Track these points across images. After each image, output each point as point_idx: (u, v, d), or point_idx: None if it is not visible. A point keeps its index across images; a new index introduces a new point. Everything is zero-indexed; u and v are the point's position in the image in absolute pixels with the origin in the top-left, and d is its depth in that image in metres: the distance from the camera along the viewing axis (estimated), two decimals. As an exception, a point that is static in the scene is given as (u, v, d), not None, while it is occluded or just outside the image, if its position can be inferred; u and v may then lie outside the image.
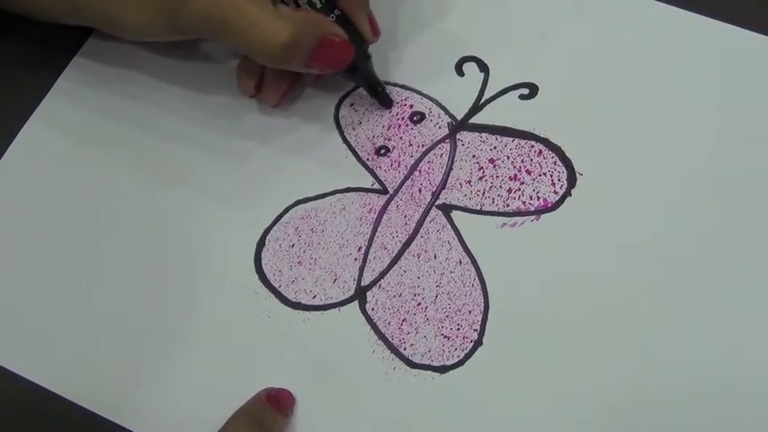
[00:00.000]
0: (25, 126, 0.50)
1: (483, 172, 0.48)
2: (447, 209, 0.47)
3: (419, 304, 0.45)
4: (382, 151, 0.49)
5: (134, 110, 0.50)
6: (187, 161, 0.48)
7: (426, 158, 0.48)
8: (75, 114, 0.50)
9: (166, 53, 0.51)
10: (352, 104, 0.50)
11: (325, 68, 0.45)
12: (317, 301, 0.45)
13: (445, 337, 0.44)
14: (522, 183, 0.47)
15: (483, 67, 0.50)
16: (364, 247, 0.46)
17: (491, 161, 0.48)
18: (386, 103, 0.49)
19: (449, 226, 0.46)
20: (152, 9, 0.44)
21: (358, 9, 0.46)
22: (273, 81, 0.48)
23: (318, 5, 0.45)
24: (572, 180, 0.47)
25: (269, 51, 0.43)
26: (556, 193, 0.47)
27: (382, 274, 0.46)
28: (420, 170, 0.48)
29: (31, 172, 0.49)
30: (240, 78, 0.48)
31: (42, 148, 0.49)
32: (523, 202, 0.47)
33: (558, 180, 0.47)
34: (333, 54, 0.45)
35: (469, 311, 0.45)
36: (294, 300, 0.46)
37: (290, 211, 0.47)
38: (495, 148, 0.48)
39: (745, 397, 0.42)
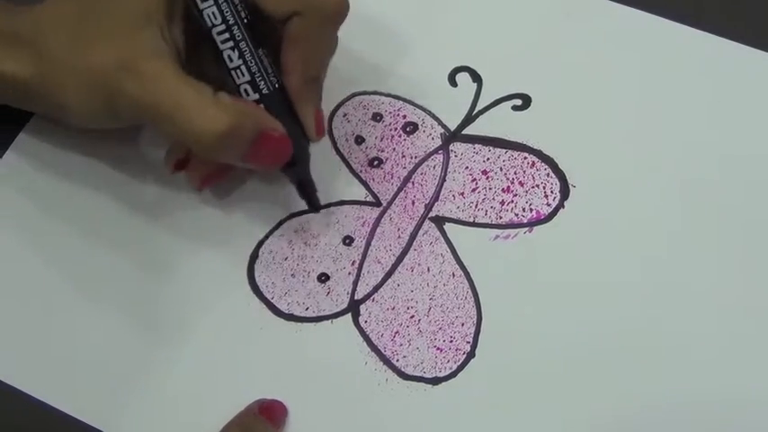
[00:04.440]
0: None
1: (476, 184, 0.48)
2: (440, 221, 0.47)
3: (412, 317, 0.45)
4: (375, 162, 0.49)
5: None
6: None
7: (419, 170, 0.48)
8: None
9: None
10: (345, 115, 0.50)
11: (260, 165, 0.44)
12: (309, 313, 0.45)
13: (438, 349, 0.44)
14: (515, 195, 0.47)
15: (476, 78, 0.50)
16: (358, 261, 0.46)
17: (484, 173, 0.48)
18: (315, 206, 0.47)
19: (442, 239, 0.47)
20: (91, 94, 0.42)
21: (307, 101, 0.44)
22: (197, 162, 0.46)
23: (265, 91, 0.42)
24: (565, 192, 0.47)
25: (203, 140, 0.40)
26: (549, 205, 0.47)
27: (376, 288, 0.46)
28: (413, 182, 0.48)
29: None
30: (167, 153, 0.46)
31: None
32: (516, 214, 0.47)
33: (551, 192, 0.47)
34: (270, 150, 0.42)
35: (462, 324, 0.45)
36: (287, 311, 0.45)
37: (284, 225, 0.47)
38: (488, 159, 0.48)
39: (744, 405, 0.43)
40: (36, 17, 0.44)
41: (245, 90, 0.42)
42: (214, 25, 0.41)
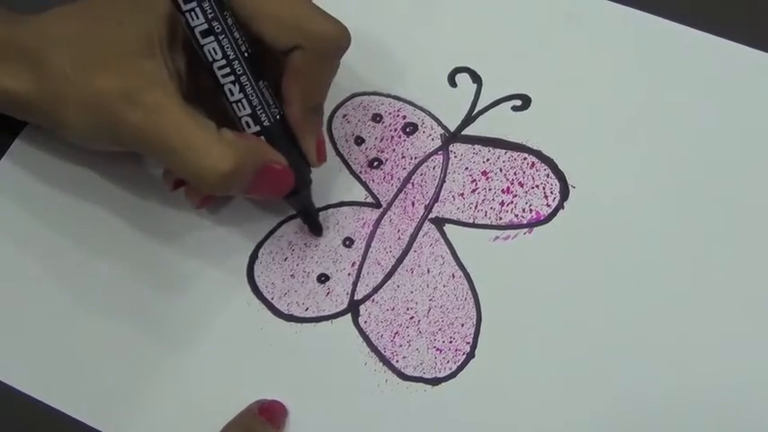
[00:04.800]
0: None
1: (476, 184, 0.48)
2: (440, 222, 0.47)
3: (412, 318, 0.45)
4: (375, 163, 0.49)
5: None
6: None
7: (419, 171, 0.48)
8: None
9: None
10: (344, 116, 0.50)
11: (263, 196, 0.44)
12: (309, 314, 0.45)
13: (438, 349, 0.44)
14: (515, 195, 0.47)
15: (476, 79, 0.50)
16: (358, 263, 0.46)
17: (484, 173, 0.48)
18: (317, 231, 0.47)
19: (442, 240, 0.47)
20: (92, 118, 0.42)
21: (308, 131, 0.44)
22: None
23: (267, 123, 0.43)
24: (565, 193, 0.47)
25: (208, 179, 0.41)
26: (548, 205, 0.47)
27: (375, 290, 0.46)
28: (413, 183, 0.48)
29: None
30: (165, 172, 0.46)
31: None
32: (516, 215, 0.47)
33: (551, 193, 0.47)
34: (272, 182, 0.43)
35: (462, 324, 0.45)
36: (287, 312, 0.46)
37: (284, 225, 0.47)
38: (487, 160, 0.48)
39: (744, 404, 0.43)
40: (40, 30, 0.44)
41: (247, 122, 0.43)
42: (215, 60, 0.41)
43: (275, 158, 0.43)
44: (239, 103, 0.42)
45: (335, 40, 0.43)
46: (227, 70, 0.41)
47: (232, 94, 0.42)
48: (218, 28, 0.41)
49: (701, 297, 0.45)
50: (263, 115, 0.43)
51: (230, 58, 0.41)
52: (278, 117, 0.43)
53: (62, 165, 0.49)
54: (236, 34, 0.41)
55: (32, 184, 0.49)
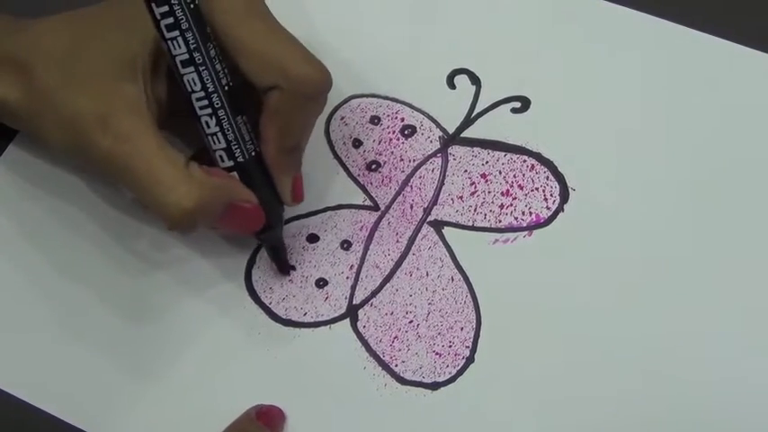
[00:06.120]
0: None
1: (475, 187, 0.47)
2: (439, 225, 0.47)
3: (411, 322, 0.45)
4: (373, 166, 0.48)
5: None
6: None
7: (418, 173, 0.48)
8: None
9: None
10: (342, 118, 0.49)
11: (232, 232, 0.45)
12: (307, 319, 0.45)
13: (437, 353, 0.44)
14: (515, 198, 0.47)
15: (475, 80, 0.50)
16: (356, 266, 0.46)
17: (483, 176, 0.48)
18: (285, 271, 0.46)
19: (440, 243, 0.46)
20: (68, 137, 0.42)
21: (284, 170, 0.44)
22: None
23: (241, 159, 0.42)
24: (564, 195, 0.47)
25: (171, 214, 0.40)
26: (548, 208, 0.47)
27: (374, 293, 0.46)
28: (411, 186, 0.48)
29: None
30: None
31: None
32: (515, 218, 0.47)
33: (551, 195, 0.47)
34: (241, 219, 0.43)
35: (461, 328, 0.45)
36: (285, 316, 0.45)
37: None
38: (487, 162, 0.48)
39: (745, 406, 0.43)
40: (35, 42, 0.44)
41: (221, 156, 0.42)
42: (194, 91, 0.41)
43: (244, 197, 0.42)
44: (215, 137, 0.42)
45: (314, 84, 0.42)
46: (205, 102, 0.41)
47: (208, 127, 0.42)
48: (198, 59, 0.40)
49: (701, 300, 0.44)
50: (238, 151, 0.42)
51: (209, 90, 0.41)
52: (253, 154, 0.43)
53: (56, 170, 0.49)
54: (218, 66, 0.41)
55: (25, 190, 0.48)
